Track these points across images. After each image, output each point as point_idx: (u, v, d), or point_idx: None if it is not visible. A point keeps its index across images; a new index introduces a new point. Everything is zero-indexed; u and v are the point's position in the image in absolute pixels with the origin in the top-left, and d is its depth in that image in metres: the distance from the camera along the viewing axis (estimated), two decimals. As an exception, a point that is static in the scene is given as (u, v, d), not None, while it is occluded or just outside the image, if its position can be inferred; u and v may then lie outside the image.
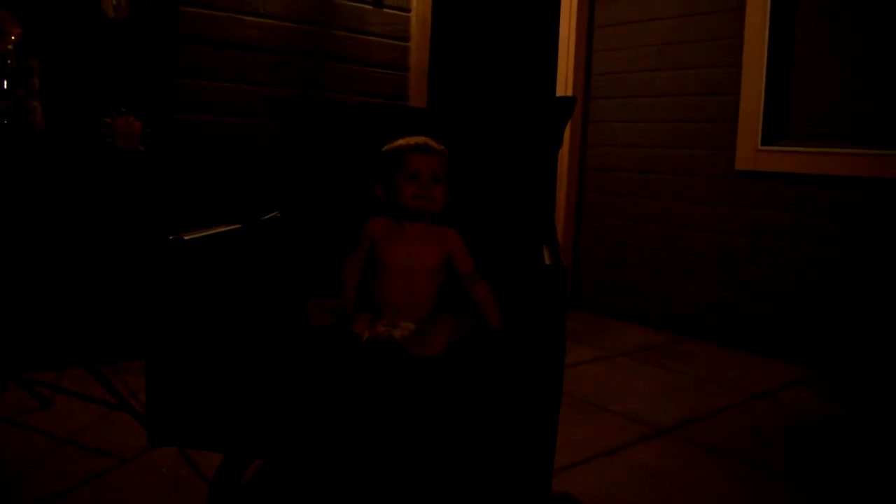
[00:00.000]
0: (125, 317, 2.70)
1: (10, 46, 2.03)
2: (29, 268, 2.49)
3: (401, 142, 1.61)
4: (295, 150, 1.94)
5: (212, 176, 2.82)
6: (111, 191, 2.61)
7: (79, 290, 2.60)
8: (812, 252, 2.99)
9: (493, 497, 1.74)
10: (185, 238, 1.40)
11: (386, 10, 3.19)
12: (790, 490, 1.89)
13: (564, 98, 1.87)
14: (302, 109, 1.99)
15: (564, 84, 3.72)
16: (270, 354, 1.35)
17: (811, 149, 2.98)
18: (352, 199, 1.83)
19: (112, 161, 2.57)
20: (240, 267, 1.62)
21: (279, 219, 1.86)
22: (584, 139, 3.80)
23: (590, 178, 3.81)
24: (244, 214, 1.72)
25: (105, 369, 2.58)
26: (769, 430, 2.29)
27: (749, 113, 3.14)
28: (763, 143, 3.12)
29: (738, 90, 3.17)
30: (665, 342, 3.29)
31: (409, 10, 3.25)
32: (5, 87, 1.92)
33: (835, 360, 2.93)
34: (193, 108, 2.75)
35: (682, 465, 2.02)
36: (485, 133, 1.86)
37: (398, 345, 1.41)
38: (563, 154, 3.70)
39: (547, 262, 1.36)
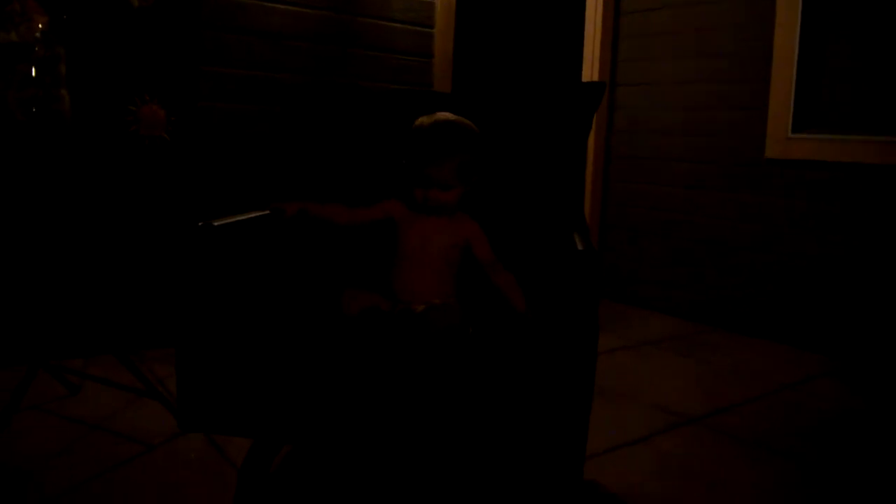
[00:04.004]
0: (151, 304, 2.71)
1: (37, 34, 2.03)
2: (56, 256, 2.50)
3: (425, 124, 1.54)
4: (320, 136, 1.93)
5: (238, 163, 2.82)
6: (137, 179, 2.62)
7: (105, 278, 2.62)
8: (842, 242, 2.94)
9: (526, 484, 1.73)
10: (215, 224, 1.40)
11: (410, -4, 3.17)
12: (819, 480, 1.86)
13: (593, 83, 1.85)
14: (327, 96, 1.98)
15: (590, 70, 3.68)
16: (299, 339, 1.34)
17: (843, 136, 2.93)
18: (376, 184, 1.82)
19: (137, 149, 2.58)
20: (268, 252, 1.62)
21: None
22: (609, 126, 3.77)
23: (616, 166, 3.77)
24: (272, 200, 1.71)
25: (131, 357, 2.59)
26: (797, 419, 2.26)
27: (779, 99, 3.08)
28: (794, 131, 3.06)
29: (769, 76, 3.11)
30: (691, 332, 3.26)
31: (433, -3, 3.23)
32: (33, 74, 1.93)
33: (863, 351, 2.88)
34: (218, 95, 2.75)
35: (710, 454, 2.00)
36: (512, 119, 1.84)
37: (420, 317, 1.40)
38: (589, 141, 3.66)
39: (579, 247, 1.34)
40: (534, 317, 1.46)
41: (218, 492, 1.70)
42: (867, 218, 2.87)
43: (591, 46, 3.68)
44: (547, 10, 3.74)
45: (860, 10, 2.94)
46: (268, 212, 1.60)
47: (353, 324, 1.44)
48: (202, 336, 1.35)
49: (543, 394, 1.24)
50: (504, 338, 1.39)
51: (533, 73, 3.71)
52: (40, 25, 2.07)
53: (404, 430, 1.28)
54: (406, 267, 1.55)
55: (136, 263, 2.67)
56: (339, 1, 2.98)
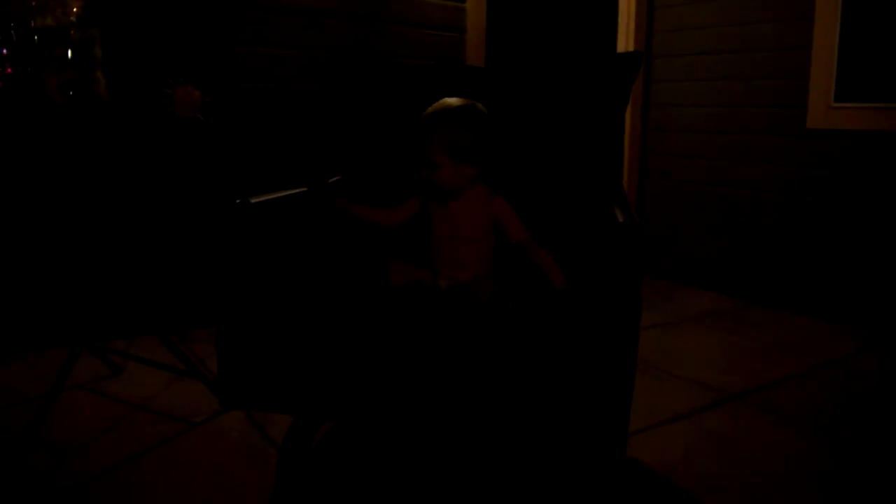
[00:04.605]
0: (191, 284, 2.74)
1: (72, 18, 2.04)
2: (98, 237, 2.53)
3: (428, 111, 1.55)
4: (354, 113, 1.92)
5: (272, 142, 2.82)
6: (174, 159, 2.64)
7: (146, 259, 2.64)
8: (888, 215, 2.85)
9: (569, 460, 1.72)
10: (252, 201, 1.39)
11: (442, -30, 3.13)
12: (864, 457, 1.82)
13: (630, 53, 1.81)
14: (360, 72, 1.96)
15: (625, 42, 3.61)
16: (339, 316, 1.34)
17: (890, 105, 2.83)
18: (411, 159, 1.80)
19: (173, 130, 2.59)
20: (306, 229, 1.61)
21: (342, 181, 1.84)
22: (646, 99, 3.70)
23: (653, 139, 3.70)
24: (308, 178, 1.71)
25: (173, 337, 2.62)
26: (840, 395, 2.21)
27: (821, 68, 3.00)
28: (836, 100, 2.98)
29: (810, 44, 3.02)
30: (732, 307, 3.21)
31: (464, -29, 3.18)
32: (70, 56, 1.94)
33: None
34: (251, 75, 2.74)
35: (752, 430, 1.96)
36: (547, 92, 1.81)
37: (467, 290, 1.40)
38: (627, 115, 3.60)
39: (620, 220, 1.31)
40: (575, 291, 1.44)
41: (259, 469, 1.72)
42: (915, 188, 2.79)
43: (625, 17, 3.60)
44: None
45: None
46: (304, 189, 1.60)
47: (395, 297, 1.43)
48: (242, 313, 1.35)
49: (586, 370, 1.22)
50: (545, 313, 1.37)
51: (567, 45, 3.66)
52: (75, 9, 2.08)
53: (445, 407, 1.27)
54: (441, 248, 1.55)
55: (175, 244, 2.69)
56: (369, -22, 2.96)
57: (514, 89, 1.83)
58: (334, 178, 1.84)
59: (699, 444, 1.89)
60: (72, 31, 2.03)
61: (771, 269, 3.25)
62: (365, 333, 1.30)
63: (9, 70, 1.91)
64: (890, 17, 2.89)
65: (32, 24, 1.88)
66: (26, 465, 1.71)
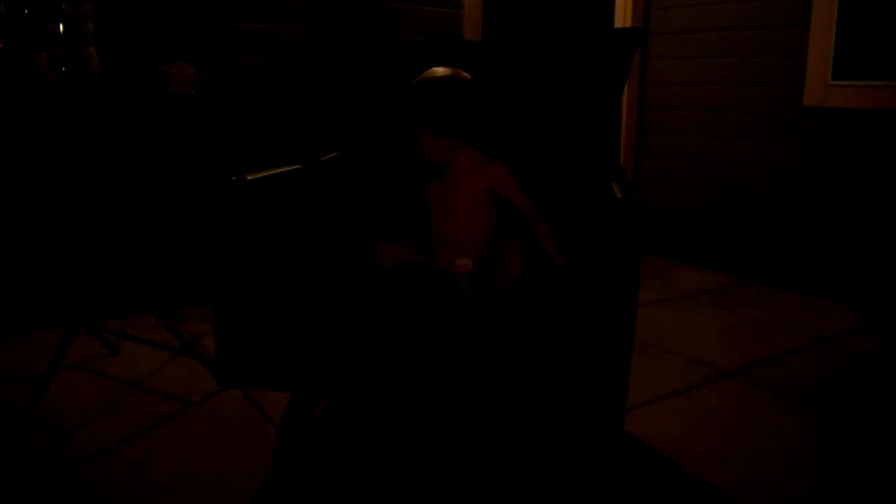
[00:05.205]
0: (186, 263, 2.73)
1: (63, -8, 2.01)
2: (92, 216, 2.52)
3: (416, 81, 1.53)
4: (350, 89, 1.91)
5: (268, 120, 2.80)
6: (169, 137, 2.61)
7: (141, 238, 2.63)
8: (885, 193, 2.85)
9: (566, 434, 1.72)
10: (248, 178, 1.38)
11: (437, -55, 3.09)
12: (857, 435, 1.83)
13: (630, 28, 1.79)
14: (356, 47, 1.94)
15: (623, 19, 3.58)
16: (336, 293, 1.33)
17: (887, 83, 2.82)
18: (402, 134, 1.79)
19: (167, 107, 2.57)
20: (302, 206, 1.60)
21: (338, 159, 1.83)
22: (643, 76, 3.68)
23: (649, 117, 3.69)
24: (303, 155, 1.70)
25: (168, 316, 2.61)
26: (835, 373, 2.22)
27: (819, 45, 2.98)
28: (834, 78, 2.96)
29: (808, 22, 3.00)
30: (728, 285, 3.21)
31: (460, -53, 3.15)
32: (61, 31, 1.91)
33: (908, 302, 2.82)
34: (246, 52, 2.72)
35: (747, 407, 1.97)
36: (545, 67, 1.80)
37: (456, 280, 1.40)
38: (623, 92, 3.58)
39: (618, 195, 1.31)
40: (572, 267, 1.44)
41: (258, 447, 1.72)
42: (912, 166, 2.78)
43: (623, -6, 3.57)
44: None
45: (906, -52, 2.81)
46: (299, 166, 1.59)
47: (387, 278, 1.43)
48: (239, 291, 1.34)
49: (584, 345, 1.22)
50: (544, 289, 1.37)
51: (564, 21, 3.63)
52: (66, -17, 2.05)
53: (445, 383, 1.27)
54: (434, 218, 1.54)
55: (170, 223, 2.67)
56: (364, -47, 2.92)
57: (511, 64, 1.81)
58: (329, 156, 1.83)
59: (695, 420, 1.89)
60: (63, 5, 2.00)
61: (768, 247, 3.25)
62: (361, 310, 1.30)
63: (-1, 45, 1.89)
64: (888, -8, 2.87)
65: (23, -2, 1.85)
66: (24, 446, 1.71)
